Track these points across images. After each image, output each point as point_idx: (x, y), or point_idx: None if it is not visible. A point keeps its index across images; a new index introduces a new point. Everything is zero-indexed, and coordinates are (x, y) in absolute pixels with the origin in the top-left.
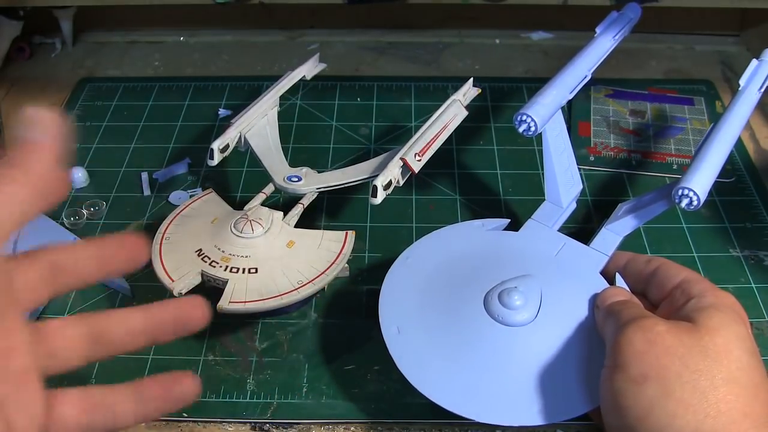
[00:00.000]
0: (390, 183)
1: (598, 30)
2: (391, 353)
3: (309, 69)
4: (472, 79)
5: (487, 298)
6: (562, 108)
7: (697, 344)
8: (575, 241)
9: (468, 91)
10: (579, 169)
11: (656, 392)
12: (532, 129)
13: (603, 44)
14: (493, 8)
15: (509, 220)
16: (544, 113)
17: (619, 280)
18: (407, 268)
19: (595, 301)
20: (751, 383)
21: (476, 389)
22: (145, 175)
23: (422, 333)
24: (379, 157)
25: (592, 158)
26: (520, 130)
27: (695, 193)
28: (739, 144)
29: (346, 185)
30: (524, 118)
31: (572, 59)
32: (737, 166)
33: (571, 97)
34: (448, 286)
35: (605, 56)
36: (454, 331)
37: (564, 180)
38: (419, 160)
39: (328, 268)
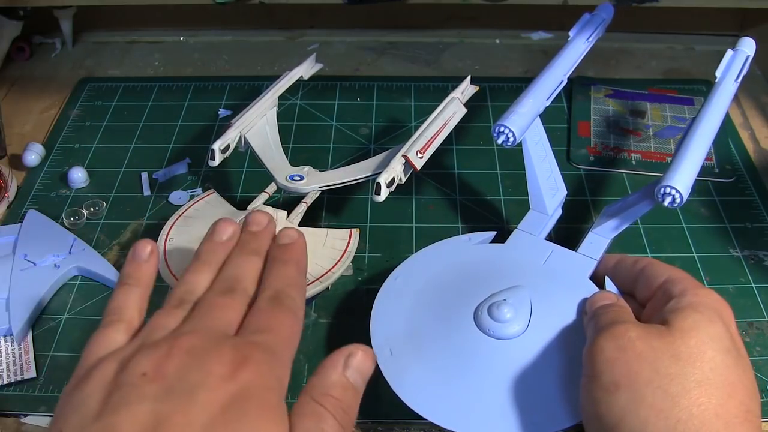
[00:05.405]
0: (393, 180)
1: (571, 33)
2: (385, 376)
3: (306, 69)
4: (469, 76)
5: (477, 313)
6: (561, 108)
7: (669, 348)
8: (562, 247)
9: (466, 89)
10: (579, 169)
11: (628, 399)
12: (511, 140)
13: (577, 47)
14: (493, 8)
15: (495, 232)
16: (522, 123)
17: (609, 284)
18: (397, 288)
19: (583, 306)
20: (726, 383)
21: (472, 405)
22: (145, 175)
23: (415, 352)
24: (380, 155)
25: (592, 158)
26: (499, 141)
27: (677, 191)
28: (739, 144)
29: (348, 183)
30: (502, 129)
31: (547, 65)
32: (737, 166)
33: (548, 104)
34: (438, 303)
35: (580, 59)
36: (447, 348)
37: (547, 187)
38: (421, 157)
39: (333, 266)
